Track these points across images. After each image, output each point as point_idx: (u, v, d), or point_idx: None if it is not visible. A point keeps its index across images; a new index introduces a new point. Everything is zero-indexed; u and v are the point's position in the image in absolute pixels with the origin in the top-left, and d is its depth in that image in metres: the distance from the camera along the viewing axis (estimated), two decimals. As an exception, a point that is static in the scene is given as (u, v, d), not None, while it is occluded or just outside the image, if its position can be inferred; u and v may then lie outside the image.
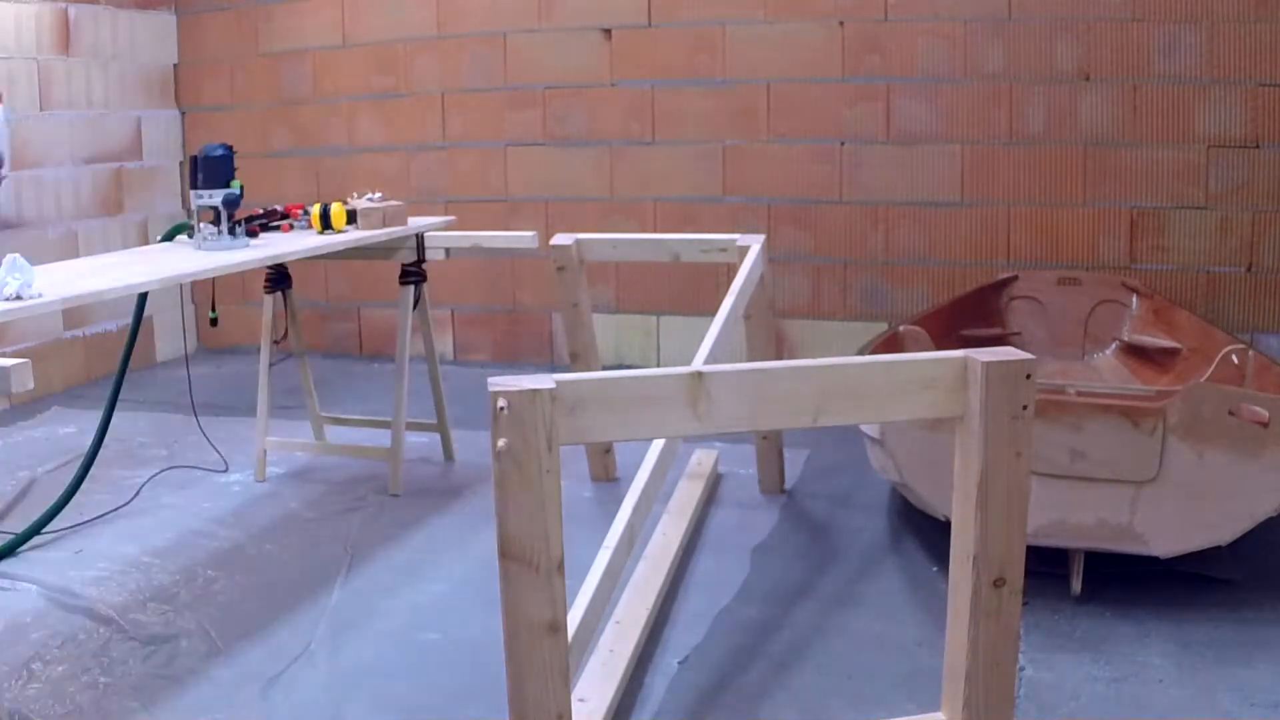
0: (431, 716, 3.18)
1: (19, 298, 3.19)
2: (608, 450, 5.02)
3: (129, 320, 4.81)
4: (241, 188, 4.41)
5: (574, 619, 2.59)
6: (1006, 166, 6.21)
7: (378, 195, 5.07)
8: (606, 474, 5.06)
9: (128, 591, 4.03)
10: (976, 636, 2.17)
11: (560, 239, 4.66)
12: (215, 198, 4.32)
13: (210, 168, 4.35)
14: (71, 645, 3.62)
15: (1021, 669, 3.25)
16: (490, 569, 2.21)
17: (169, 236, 4.70)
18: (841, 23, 6.36)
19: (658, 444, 3.19)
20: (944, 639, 2.29)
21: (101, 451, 4.75)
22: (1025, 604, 2.20)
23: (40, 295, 3.26)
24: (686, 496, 4.64)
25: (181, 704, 3.27)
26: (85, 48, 7.07)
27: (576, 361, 4.86)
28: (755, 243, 4.39)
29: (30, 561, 4.31)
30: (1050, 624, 3.57)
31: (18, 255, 3.27)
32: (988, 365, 2.07)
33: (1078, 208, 6.12)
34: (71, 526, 4.61)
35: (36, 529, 4.50)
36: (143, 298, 4.69)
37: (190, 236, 4.51)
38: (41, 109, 6.75)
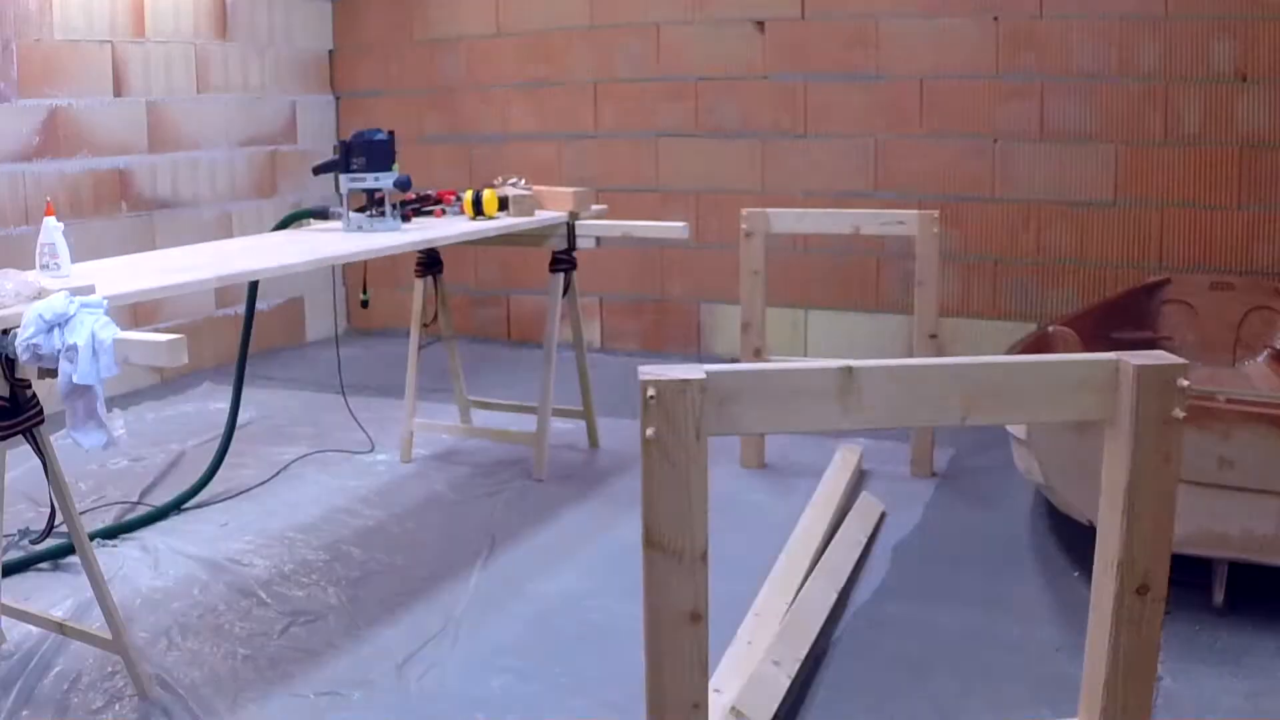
0: (564, 702, 3.23)
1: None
2: (759, 437, 5.05)
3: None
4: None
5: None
6: (1160, 167, 6.09)
7: (520, 180, 5.13)
8: (757, 461, 5.11)
9: (270, 565, 4.15)
10: (1117, 644, 2.15)
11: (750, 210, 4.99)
12: (383, 180, 4.44)
13: (373, 151, 4.47)
14: (211, 616, 3.75)
15: (1159, 679, 3.21)
16: (630, 556, 2.24)
17: (283, 225, 4.80)
18: (996, 18, 6.29)
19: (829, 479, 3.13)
20: (1083, 645, 2.27)
21: (250, 428, 4.85)
22: (1167, 613, 2.18)
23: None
24: (830, 491, 4.64)
25: (317, 677, 3.36)
26: (242, 32, 7.29)
27: (747, 331, 4.97)
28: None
29: (176, 532, 4.46)
30: (1190, 635, 3.51)
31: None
32: (1140, 369, 2.04)
33: (1232, 210, 5.97)
34: (219, 500, 4.77)
35: (181, 501, 4.67)
36: (253, 286, 4.81)
37: (317, 222, 4.62)
38: (198, 92, 6.97)
